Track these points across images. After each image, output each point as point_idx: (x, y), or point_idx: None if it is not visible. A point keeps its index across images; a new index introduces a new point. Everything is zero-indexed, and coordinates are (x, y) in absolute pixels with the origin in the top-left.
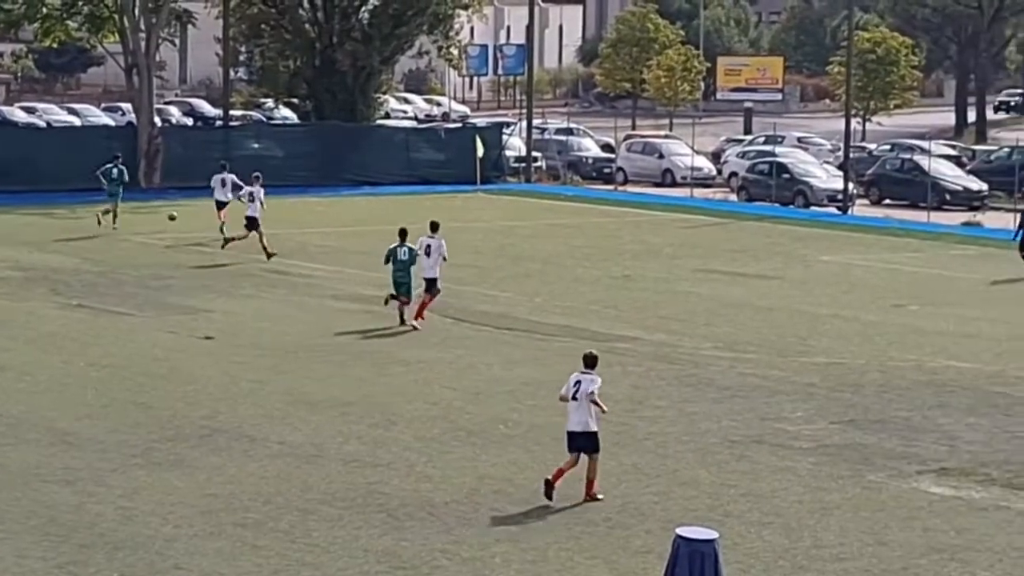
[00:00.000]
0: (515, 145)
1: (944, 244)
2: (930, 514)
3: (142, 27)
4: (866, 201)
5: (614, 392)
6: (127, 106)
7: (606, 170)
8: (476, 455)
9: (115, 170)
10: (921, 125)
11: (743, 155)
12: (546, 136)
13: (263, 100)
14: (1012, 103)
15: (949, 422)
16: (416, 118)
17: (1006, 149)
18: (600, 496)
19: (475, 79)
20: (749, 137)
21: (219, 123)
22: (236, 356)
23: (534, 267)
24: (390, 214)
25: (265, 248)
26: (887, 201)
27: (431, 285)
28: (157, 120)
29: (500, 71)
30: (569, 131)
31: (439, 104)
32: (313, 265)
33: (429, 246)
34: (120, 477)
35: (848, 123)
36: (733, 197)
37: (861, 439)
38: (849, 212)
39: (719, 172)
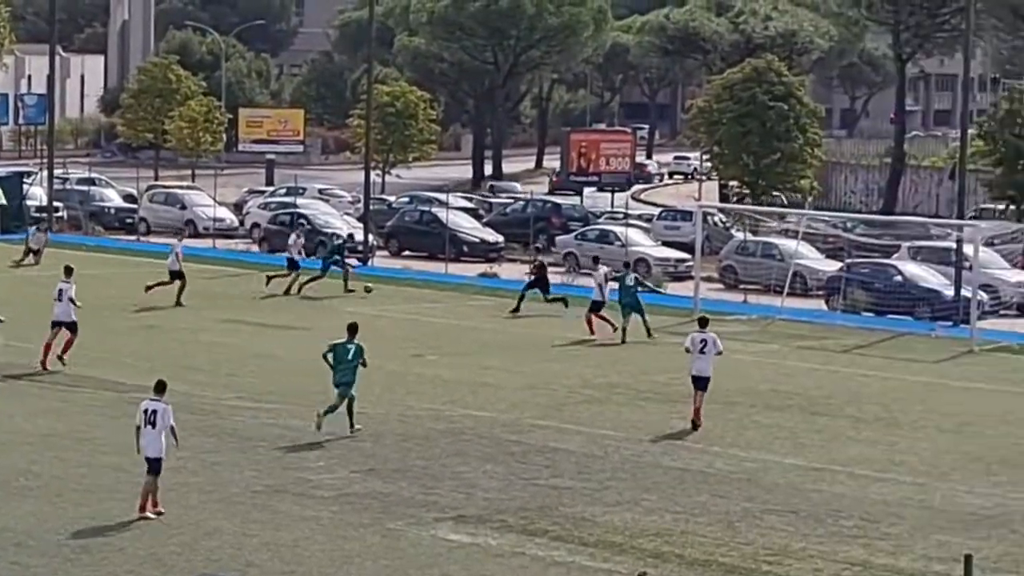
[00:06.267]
0: (36, 195)
1: (462, 295)
2: (448, 560)
3: None
4: (386, 252)
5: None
6: None
7: (128, 220)
8: None
9: None
10: (440, 178)
11: (265, 206)
12: (68, 186)
13: None
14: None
15: (467, 470)
16: None
17: (521, 202)
18: (700, 425)
19: None
20: (271, 188)
21: None
22: None
23: None
24: None
25: None
26: (407, 252)
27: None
28: None
29: (21, 120)
30: (91, 181)
31: None
32: None
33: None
34: None
35: (368, 175)
36: (255, 248)
37: (381, 487)
38: (369, 263)
39: (242, 223)
